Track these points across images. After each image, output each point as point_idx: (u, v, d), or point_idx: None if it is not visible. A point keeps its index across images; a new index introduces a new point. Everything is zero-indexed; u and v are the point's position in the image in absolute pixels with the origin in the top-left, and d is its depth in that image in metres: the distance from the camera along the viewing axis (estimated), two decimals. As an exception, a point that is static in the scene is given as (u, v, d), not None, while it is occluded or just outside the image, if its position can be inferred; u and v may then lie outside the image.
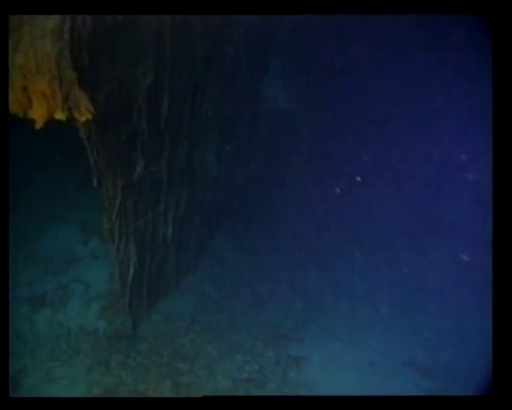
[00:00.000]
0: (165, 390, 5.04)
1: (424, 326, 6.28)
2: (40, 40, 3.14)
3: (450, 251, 7.57)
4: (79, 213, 7.63)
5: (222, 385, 5.19)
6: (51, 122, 3.36)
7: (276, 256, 7.63)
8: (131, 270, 5.42)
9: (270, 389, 5.18)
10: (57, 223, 7.52)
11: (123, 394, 4.97)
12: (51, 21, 3.15)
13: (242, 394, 5.08)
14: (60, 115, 3.28)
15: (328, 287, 6.98)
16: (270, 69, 7.92)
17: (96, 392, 5.00)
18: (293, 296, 6.70)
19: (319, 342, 5.91)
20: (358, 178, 7.58)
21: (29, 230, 7.25)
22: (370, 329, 6.20)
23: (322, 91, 8.67)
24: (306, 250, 7.75)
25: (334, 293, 6.82)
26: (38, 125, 3.26)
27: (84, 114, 3.36)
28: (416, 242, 7.98)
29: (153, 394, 4.98)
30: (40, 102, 3.21)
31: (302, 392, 5.19)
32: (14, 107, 3.20)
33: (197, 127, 6.16)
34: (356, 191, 8.51)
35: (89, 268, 6.73)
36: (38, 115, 3.23)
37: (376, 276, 7.26)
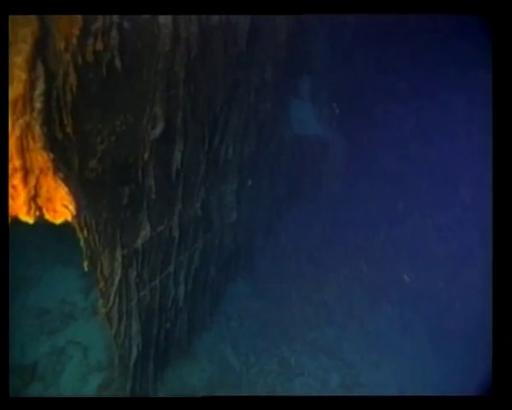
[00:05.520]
0: None
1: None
2: (-4, 117, 2.19)
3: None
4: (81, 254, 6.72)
5: None
6: (16, 223, 2.42)
7: (305, 306, 6.64)
8: (134, 352, 4.51)
9: None
10: (56, 266, 6.61)
11: None
12: (13, 90, 2.19)
13: None
14: (25, 218, 2.34)
15: (368, 351, 5.96)
16: (299, 92, 6.86)
17: None
18: (329, 367, 5.68)
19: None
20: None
21: (23, 275, 6.37)
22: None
23: (355, 114, 7.68)
24: (338, 299, 6.76)
25: (377, 364, 5.77)
26: (-3, 231, 2.32)
27: (60, 215, 2.41)
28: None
29: None
30: (-3, 202, 2.26)
31: None
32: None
33: (215, 170, 5.21)
34: (398, 223, 7.52)
35: (88, 326, 5.82)
36: (-4, 219, 2.28)
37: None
